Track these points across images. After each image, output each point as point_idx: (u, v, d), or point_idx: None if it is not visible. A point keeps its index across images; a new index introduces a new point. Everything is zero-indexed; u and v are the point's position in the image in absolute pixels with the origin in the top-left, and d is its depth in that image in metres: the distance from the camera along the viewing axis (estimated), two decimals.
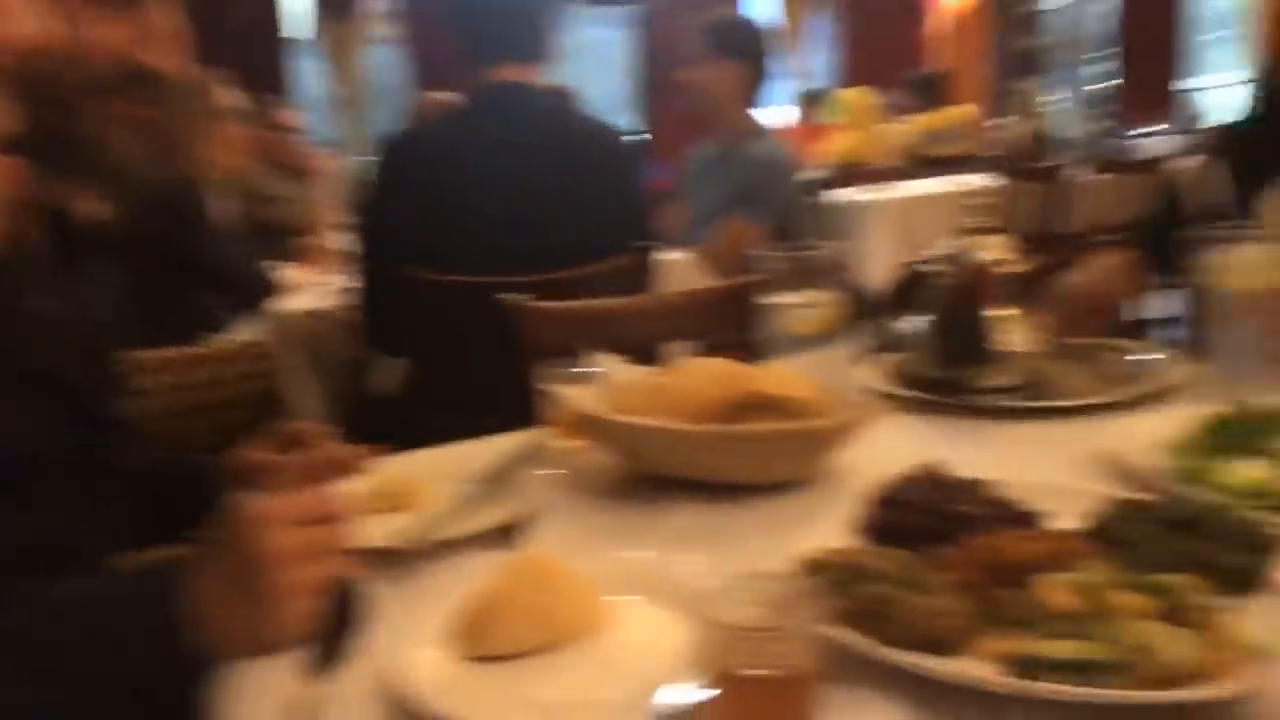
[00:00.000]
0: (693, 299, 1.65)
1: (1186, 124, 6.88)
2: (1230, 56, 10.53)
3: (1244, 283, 1.13)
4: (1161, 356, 1.28)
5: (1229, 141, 1.51)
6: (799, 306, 1.22)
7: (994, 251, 1.21)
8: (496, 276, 1.85)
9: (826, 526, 0.81)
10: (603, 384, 1.09)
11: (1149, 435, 0.95)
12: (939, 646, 0.61)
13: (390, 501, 0.96)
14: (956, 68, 8.00)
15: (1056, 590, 0.61)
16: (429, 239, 1.94)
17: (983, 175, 5.06)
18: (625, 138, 2.39)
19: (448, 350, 1.94)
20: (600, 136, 2.31)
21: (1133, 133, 7.36)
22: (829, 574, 0.68)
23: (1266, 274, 1.11)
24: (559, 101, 2.44)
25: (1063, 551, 0.66)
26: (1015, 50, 9.41)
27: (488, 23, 2.17)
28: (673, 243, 3.06)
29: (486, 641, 0.67)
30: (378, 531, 0.86)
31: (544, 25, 2.24)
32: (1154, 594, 0.59)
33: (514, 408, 1.41)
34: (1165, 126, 7.63)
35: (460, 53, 2.17)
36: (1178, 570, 0.64)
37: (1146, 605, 0.58)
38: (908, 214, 4.49)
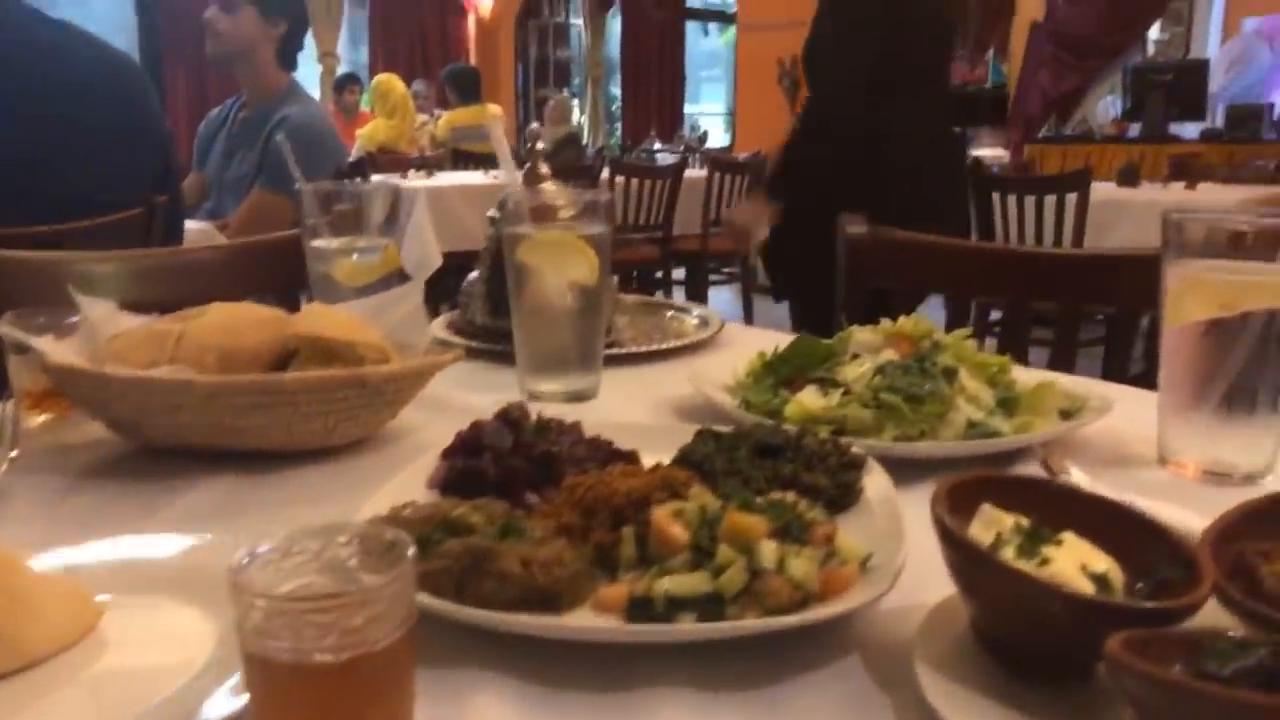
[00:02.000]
0: (230, 253, 1.38)
1: (692, 143, 7.72)
2: (719, 90, 12.12)
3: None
4: (704, 310, 1.33)
5: None
6: (352, 251, 1.06)
7: (548, 195, 1.14)
8: None
9: (388, 489, 0.67)
10: (91, 333, 0.84)
11: (713, 376, 0.94)
12: (551, 602, 0.51)
13: None
14: (486, 69, 8.19)
15: (670, 522, 0.54)
16: None
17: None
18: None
19: None
20: (114, 57, 1.90)
21: (651, 146, 8.09)
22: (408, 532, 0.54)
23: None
24: (49, 18, 1.96)
25: (670, 483, 0.60)
26: (541, 59, 9.90)
27: None
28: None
29: None
30: None
31: None
32: (768, 514, 0.54)
33: None
34: (670, 144, 8.53)
35: None
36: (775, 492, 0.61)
37: (760, 525, 0.53)
38: (444, 204, 4.44)
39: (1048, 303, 1.42)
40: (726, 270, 5.89)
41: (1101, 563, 0.48)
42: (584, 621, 0.50)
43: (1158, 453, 0.80)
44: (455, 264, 4.30)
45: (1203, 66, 6.58)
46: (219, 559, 0.56)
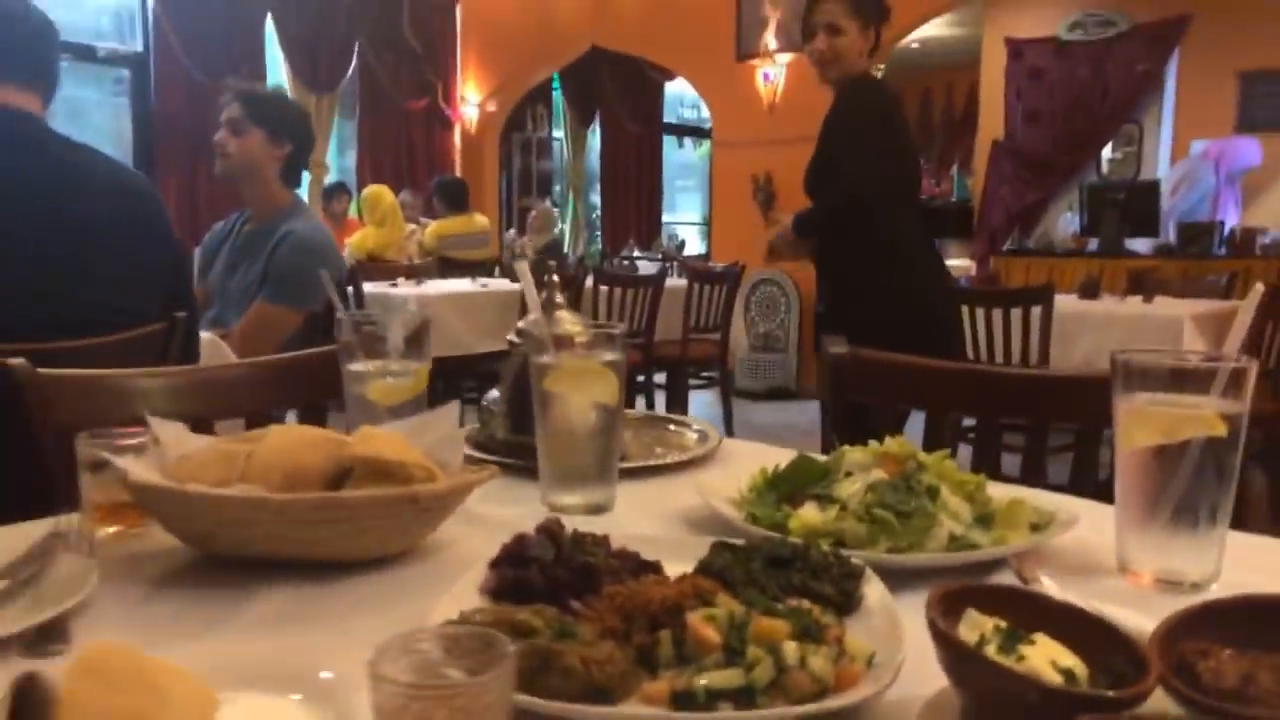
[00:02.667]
0: (261, 370, 1.48)
1: (671, 251, 7.96)
2: (695, 200, 12.51)
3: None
4: (702, 424, 1.43)
5: None
6: (386, 374, 1.16)
7: (566, 325, 1.26)
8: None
9: (442, 596, 0.76)
10: (162, 453, 0.93)
11: (718, 489, 1.04)
12: (602, 696, 0.59)
13: None
14: (471, 179, 8.46)
15: (704, 626, 0.63)
16: None
17: (506, 281, 5.35)
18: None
19: None
20: (129, 179, 2.03)
21: (631, 254, 8.32)
22: None
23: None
24: (71, 140, 2.09)
25: (699, 591, 0.69)
26: (524, 170, 10.22)
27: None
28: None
29: None
30: None
31: (48, 53, 1.94)
32: (788, 618, 0.63)
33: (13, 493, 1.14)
34: (649, 252, 8.79)
35: None
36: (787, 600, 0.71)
37: (783, 628, 0.62)
38: (433, 311, 4.58)
39: (1014, 420, 1.54)
40: (706, 375, 6.04)
41: (1068, 659, 0.57)
42: (639, 711, 0.59)
43: (1117, 562, 0.90)
44: (443, 369, 4.39)
45: (1154, 186, 6.95)
46: (306, 658, 0.65)
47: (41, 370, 1.27)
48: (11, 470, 1.22)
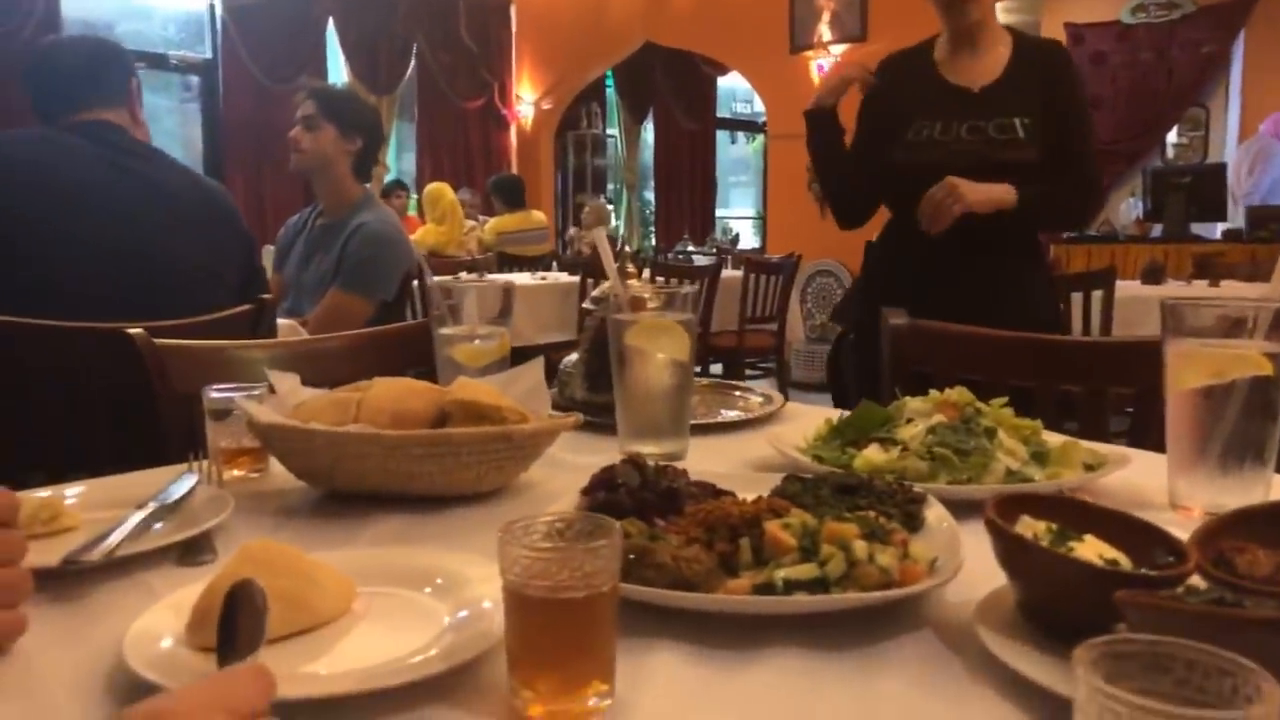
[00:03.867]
0: (354, 341, 1.59)
1: (725, 245, 8.00)
2: (749, 195, 12.51)
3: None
4: (765, 389, 1.50)
5: None
6: (474, 337, 1.25)
7: (637, 290, 1.33)
8: (91, 320, 1.63)
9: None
10: (280, 401, 1.02)
11: (787, 438, 1.11)
12: (693, 588, 0.67)
13: (44, 527, 0.82)
14: (528, 176, 8.59)
15: (780, 531, 0.70)
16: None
17: (564, 274, 5.46)
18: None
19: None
20: (203, 182, 2.17)
21: (685, 249, 8.37)
22: None
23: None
24: (152, 147, 2.23)
25: (774, 507, 0.76)
26: (579, 167, 10.34)
27: (63, 71, 1.98)
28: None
29: None
30: (41, 554, 0.73)
31: (116, 71, 2.07)
32: (857, 523, 0.70)
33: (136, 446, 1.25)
34: (703, 247, 8.84)
35: (35, 106, 1.97)
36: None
37: (853, 530, 0.69)
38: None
39: (1072, 386, 1.58)
40: (762, 366, 6.08)
41: (1113, 553, 0.63)
42: (725, 597, 0.66)
43: (1169, 499, 0.95)
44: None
45: (1221, 169, 6.81)
46: (424, 563, 0.74)
47: (159, 340, 1.39)
48: (134, 426, 1.33)
